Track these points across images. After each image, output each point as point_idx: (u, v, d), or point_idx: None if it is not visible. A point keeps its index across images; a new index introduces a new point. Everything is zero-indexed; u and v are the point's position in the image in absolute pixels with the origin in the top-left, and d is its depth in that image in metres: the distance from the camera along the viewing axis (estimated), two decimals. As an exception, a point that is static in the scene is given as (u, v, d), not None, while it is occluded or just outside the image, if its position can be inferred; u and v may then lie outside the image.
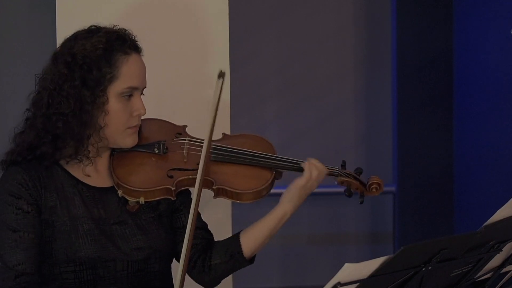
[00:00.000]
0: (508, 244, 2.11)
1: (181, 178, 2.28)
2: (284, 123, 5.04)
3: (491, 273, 2.18)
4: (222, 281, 2.42)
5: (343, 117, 5.09)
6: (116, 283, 2.24)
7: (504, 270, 2.22)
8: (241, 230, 2.38)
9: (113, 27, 2.29)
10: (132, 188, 2.25)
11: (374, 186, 2.42)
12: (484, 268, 2.12)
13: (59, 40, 2.78)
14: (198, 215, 2.37)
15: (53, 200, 2.24)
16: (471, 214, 4.63)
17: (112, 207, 2.29)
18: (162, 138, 2.36)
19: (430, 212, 4.81)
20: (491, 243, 2.04)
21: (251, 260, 2.38)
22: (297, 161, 2.38)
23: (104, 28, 2.28)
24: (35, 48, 3.26)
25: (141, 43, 2.31)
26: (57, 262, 2.21)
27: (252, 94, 4.96)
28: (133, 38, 2.30)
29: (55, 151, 2.24)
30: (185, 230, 2.34)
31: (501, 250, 2.09)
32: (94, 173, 2.30)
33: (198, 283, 2.41)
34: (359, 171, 2.45)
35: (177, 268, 2.37)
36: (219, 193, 2.31)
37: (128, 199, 2.27)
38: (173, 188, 2.26)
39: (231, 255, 2.35)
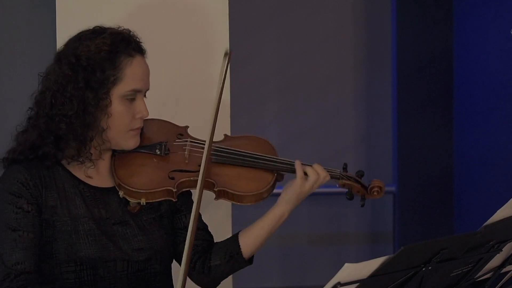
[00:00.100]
0: (508, 244, 2.11)
1: (182, 180, 2.28)
2: (284, 123, 5.04)
3: (491, 273, 2.18)
4: (222, 281, 2.42)
5: (343, 117, 5.09)
6: (116, 284, 2.24)
7: (504, 270, 2.21)
8: (240, 231, 2.38)
9: (118, 28, 2.29)
10: (133, 189, 2.25)
11: (376, 189, 2.41)
12: (484, 268, 2.12)
13: (59, 40, 2.80)
14: (199, 216, 2.36)
15: (54, 199, 2.23)
16: (471, 214, 4.63)
17: (113, 208, 2.29)
18: (164, 139, 2.35)
19: (430, 212, 4.81)
20: (491, 243, 2.04)
21: (250, 260, 2.38)
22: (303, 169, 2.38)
23: (109, 29, 2.27)
24: (35, 48, 3.26)
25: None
26: (58, 262, 2.21)
27: (252, 94, 4.96)
28: (138, 39, 2.29)
29: (57, 152, 2.23)
30: (186, 231, 2.34)
31: (501, 250, 2.09)
32: (96, 174, 2.30)
33: (198, 285, 2.41)
34: (360, 173, 2.44)
35: (177, 269, 2.37)
36: (220, 195, 2.30)
37: (129, 200, 2.26)
38: (174, 190, 2.26)
39: (230, 256, 2.34)
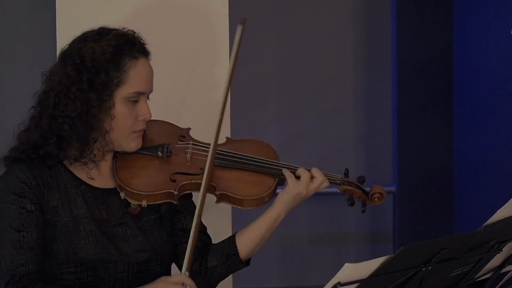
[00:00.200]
0: (508, 244, 2.11)
1: (184, 183, 2.27)
2: (284, 123, 5.04)
3: (491, 273, 2.18)
4: (220, 282, 2.41)
5: (343, 117, 5.09)
6: (116, 285, 2.23)
7: (504, 270, 2.21)
8: (237, 232, 2.38)
9: (123, 29, 2.28)
10: (135, 191, 2.24)
11: (377, 195, 2.41)
12: (484, 268, 2.12)
13: (59, 40, 2.80)
14: (199, 218, 2.36)
15: (56, 200, 2.23)
16: (471, 214, 4.63)
17: (114, 209, 2.28)
18: (166, 140, 2.35)
19: (430, 212, 4.81)
20: (491, 243, 2.04)
21: (247, 262, 2.38)
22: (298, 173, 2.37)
23: (113, 30, 2.26)
24: (35, 48, 3.26)
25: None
26: (58, 263, 2.20)
27: (252, 94, 4.96)
28: (142, 41, 2.28)
29: (60, 152, 2.23)
30: (185, 233, 2.35)
31: (501, 250, 2.09)
32: (97, 175, 2.30)
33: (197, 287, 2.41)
34: (361, 179, 2.43)
35: (176, 270, 2.37)
36: (221, 198, 2.30)
37: (130, 201, 2.26)
38: (175, 193, 2.25)
39: (227, 257, 2.34)
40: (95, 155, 2.24)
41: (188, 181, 2.27)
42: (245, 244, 2.34)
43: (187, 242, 2.34)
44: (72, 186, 2.26)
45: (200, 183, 2.23)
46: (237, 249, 2.33)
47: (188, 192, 2.31)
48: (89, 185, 2.28)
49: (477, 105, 4.56)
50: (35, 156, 2.24)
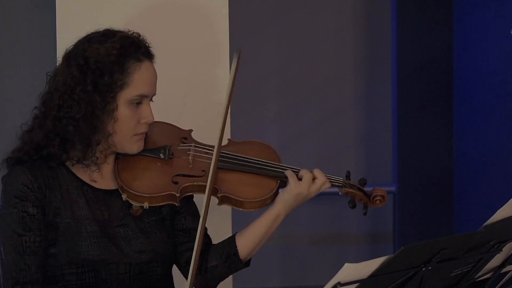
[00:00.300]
0: (508, 244, 2.11)
1: (186, 185, 2.27)
2: (284, 123, 5.04)
3: (491, 273, 2.18)
4: (220, 282, 2.41)
5: (343, 117, 5.09)
6: (118, 286, 2.23)
7: (504, 270, 2.21)
8: (237, 232, 2.38)
9: (128, 31, 2.28)
10: (137, 193, 2.24)
11: (378, 198, 2.41)
12: (484, 268, 2.12)
13: (59, 40, 2.79)
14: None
15: (57, 201, 2.23)
16: (471, 214, 4.63)
17: (116, 210, 2.28)
18: (168, 142, 2.35)
19: (430, 212, 4.81)
20: (491, 243, 2.04)
21: (247, 263, 2.38)
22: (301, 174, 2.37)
23: (119, 32, 2.26)
24: (35, 48, 3.26)
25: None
26: (60, 264, 2.20)
27: (252, 94, 4.96)
28: (147, 44, 2.29)
29: (63, 153, 2.23)
30: (185, 233, 2.35)
31: (501, 250, 2.09)
32: (99, 177, 2.30)
33: (196, 287, 2.41)
34: (363, 182, 2.43)
35: (178, 271, 2.37)
36: (223, 200, 2.30)
37: (132, 203, 2.26)
38: (177, 194, 2.25)
39: (227, 257, 2.34)
40: (97, 157, 2.24)
41: (190, 183, 2.27)
42: (245, 244, 2.34)
43: (187, 242, 2.34)
44: (74, 187, 2.25)
45: (202, 185, 2.23)
46: (237, 249, 2.33)
47: (190, 194, 2.31)
48: (91, 186, 2.27)
49: (477, 105, 4.56)
50: (38, 157, 2.24)
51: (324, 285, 1.75)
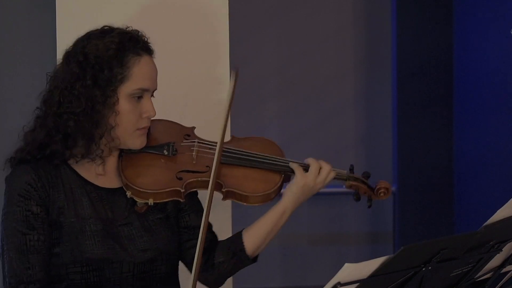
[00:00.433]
0: (508, 244, 2.11)
1: (190, 180, 2.28)
2: (284, 123, 5.04)
3: (491, 273, 2.18)
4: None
5: (343, 117, 5.09)
6: (122, 285, 2.23)
7: (504, 270, 2.21)
8: (244, 228, 2.38)
9: (126, 28, 2.29)
10: (141, 190, 2.24)
11: (382, 190, 2.43)
12: (484, 268, 2.12)
13: (59, 40, 2.80)
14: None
15: (61, 200, 2.23)
16: (471, 214, 4.63)
17: (120, 208, 2.28)
18: (171, 139, 2.35)
19: (430, 212, 4.81)
20: (491, 243, 2.04)
21: (254, 259, 2.38)
22: (306, 164, 2.38)
23: (117, 28, 2.28)
24: (35, 48, 3.25)
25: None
26: (64, 263, 2.20)
27: (252, 94, 4.96)
28: (146, 40, 2.30)
29: (65, 150, 2.23)
30: (189, 230, 2.35)
31: (501, 250, 2.09)
32: (103, 175, 2.30)
33: (202, 283, 2.41)
34: (366, 175, 2.46)
35: (184, 270, 2.37)
36: (228, 195, 2.31)
37: (137, 200, 2.26)
38: (182, 190, 2.26)
39: (233, 253, 2.35)
40: (102, 150, 2.24)
41: (195, 179, 2.28)
42: (251, 240, 2.34)
43: (192, 239, 2.35)
44: (77, 186, 2.26)
45: (206, 181, 2.24)
46: (243, 245, 2.34)
47: (194, 190, 2.31)
48: (95, 185, 2.28)
49: (477, 105, 4.56)
50: (41, 156, 2.24)
51: (324, 285, 1.75)
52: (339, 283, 1.74)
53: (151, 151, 2.32)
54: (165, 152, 2.32)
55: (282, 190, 2.39)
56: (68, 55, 2.27)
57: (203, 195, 2.28)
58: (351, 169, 2.45)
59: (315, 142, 4.99)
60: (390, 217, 5.00)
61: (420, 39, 4.75)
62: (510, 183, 4.18)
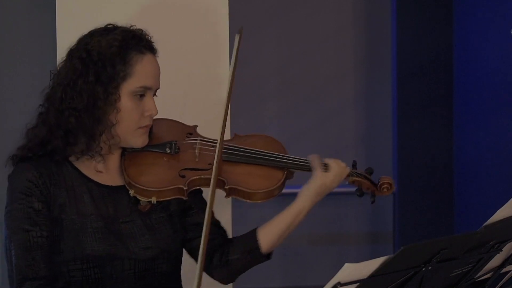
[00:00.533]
0: (508, 244, 2.11)
1: (193, 178, 2.28)
2: (284, 123, 5.04)
3: (491, 273, 2.18)
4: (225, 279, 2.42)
5: (343, 117, 5.09)
6: (123, 283, 2.23)
7: (504, 270, 2.21)
8: (258, 226, 2.38)
9: (130, 26, 2.30)
10: (144, 188, 2.25)
11: (385, 186, 2.45)
12: (484, 268, 2.12)
13: (59, 40, 2.80)
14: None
15: (63, 197, 2.23)
16: (471, 214, 4.63)
17: (122, 206, 2.28)
18: (173, 138, 2.36)
19: (430, 212, 4.81)
20: (491, 243, 2.04)
21: (269, 255, 2.39)
22: (325, 163, 2.39)
23: (121, 27, 2.29)
24: (35, 48, 3.26)
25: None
26: (65, 260, 2.20)
27: (252, 94, 4.96)
28: (149, 38, 2.30)
29: (66, 147, 2.23)
30: (199, 227, 2.35)
31: (501, 250, 2.09)
32: (105, 171, 2.30)
33: (215, 279, 2.41)
34: (369, 171, 2.48)
35: (187, 269, 2.37)
36: (231, 192, 2.31)
37: (140, 198, 2.27)
38: (185, 188, 2.26)
39: (248, 251, 2.35)
40: (101, 148, 2.25)
41: (197, 177, 2.29)
42: (266, 238, 2.35)
43: (200, 237, 2.34)
44: (79, 183, 2.26)
45: (209, 178, 2.24)
46: (258, 243, 2.34)
47: (197, 187, 2.32)
48: (96, 182, 2.28)
49: (477, 105, 4.56)
50: (43, 153, 2.24)
51: (324, 285, 1.75)
52: (339, 283, 1.74)
53: (153, 150, 2.32)
54: (168, 150, 2.32)
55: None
56: (71, 52, 2.27)
57: (207, 194, 2.28)
58: (354, 165, 2.46)
59: (315, 142, 4.99)
60: (390, 217, 5.00)
61: (420, 39, 4.75)
62: (510, 183, 4.18)
